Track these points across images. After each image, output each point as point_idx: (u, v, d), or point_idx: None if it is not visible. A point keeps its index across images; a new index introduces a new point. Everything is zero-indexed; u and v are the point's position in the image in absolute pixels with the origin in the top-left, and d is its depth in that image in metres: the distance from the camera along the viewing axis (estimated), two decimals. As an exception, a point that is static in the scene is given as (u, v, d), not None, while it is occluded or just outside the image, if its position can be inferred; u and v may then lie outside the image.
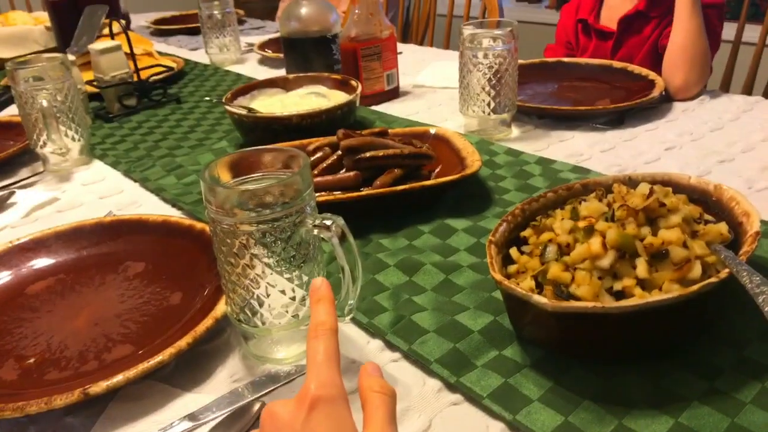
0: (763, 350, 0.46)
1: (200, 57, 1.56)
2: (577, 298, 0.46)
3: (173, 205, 0.78)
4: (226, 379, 0.49)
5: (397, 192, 0.68)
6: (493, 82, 0.87)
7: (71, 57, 1.12)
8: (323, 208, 0.66)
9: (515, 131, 0.94)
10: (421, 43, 1.91)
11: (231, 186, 0.48)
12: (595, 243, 0.48)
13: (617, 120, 0.93)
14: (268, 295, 0.47)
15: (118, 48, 1.13)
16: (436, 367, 0.48)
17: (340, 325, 0.53)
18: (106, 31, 1.26)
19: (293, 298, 0.48)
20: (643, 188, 0.52)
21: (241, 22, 1.98)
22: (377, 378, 0.37)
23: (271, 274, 0.46)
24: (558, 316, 0.44)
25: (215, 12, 1.44)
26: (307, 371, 0.37)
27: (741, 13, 1.40)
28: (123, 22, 1.21)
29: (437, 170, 0.79)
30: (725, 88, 1.43)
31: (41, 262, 0.64)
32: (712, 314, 0.48)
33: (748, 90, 1.40)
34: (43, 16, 1.66)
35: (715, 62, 1.28)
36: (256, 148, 0.50)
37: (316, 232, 0.47)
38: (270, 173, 0.49)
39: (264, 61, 1.49)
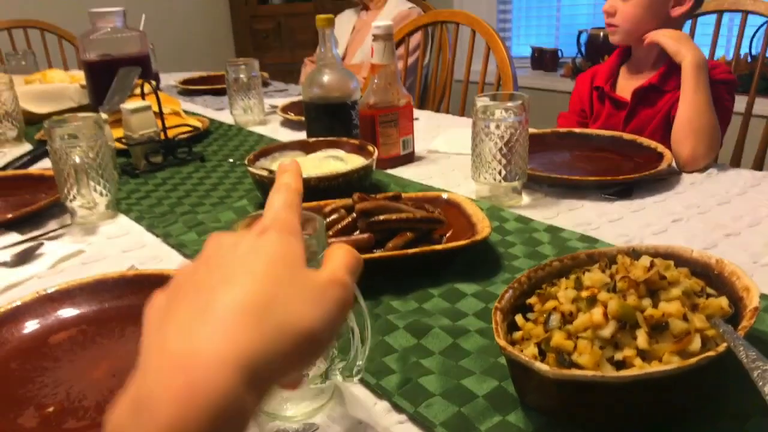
0: (764, 425, 0.47)
1: (225, 117, 1.62)
2: (580, 367, 0.48)
3: (193, 261, 0.81)
4: (236, 434, 0.51)
5: (408, 255, 0.71)
6: (504, 151, 0.91)
7: (103, 116, 1.18)
8: (337, 268, 0.69)
9: (526, 199, 0.96)
10: (437, 110, 1.98)
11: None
12: (597, 313, 0.49)
13: (626, 191, 0.95)
14: (281, 353, 0.49)
15: (147, 108, 1.19)
16: (440, 430, 0.49)
17: (349, 385, 0.55)
18: (137, 90, 1.33)
19: (304, 357, 0.50)
20: (645, 261, 0.54)
21: (265, 84, 2.06)
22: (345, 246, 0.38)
23: (285, 332, 0.48)
24: (559, 383, 0.45)
25: (242, 75, 1.51)
26: (263, 214, 0.37)
27: (751, 87, 1.44)
28: (153, 83, 1.28)
29: (448, 234, 0.81)
30: (736, 161, 1.46)
31: (65, 313, 0.66)
32: (712, 387, 0.49)
33: (759, 163, 1.42)
34: (79, 75, 1.75)
35: (726, 135, 1.32)
36: (275, 211, 0.53)
37: (328, 293, 0.49)
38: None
39: (286, 123, 1.55)
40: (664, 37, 1.13)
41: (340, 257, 0.37)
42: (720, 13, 1.49)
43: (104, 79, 1.46)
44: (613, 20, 1.17)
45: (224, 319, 0.30)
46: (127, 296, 0.68)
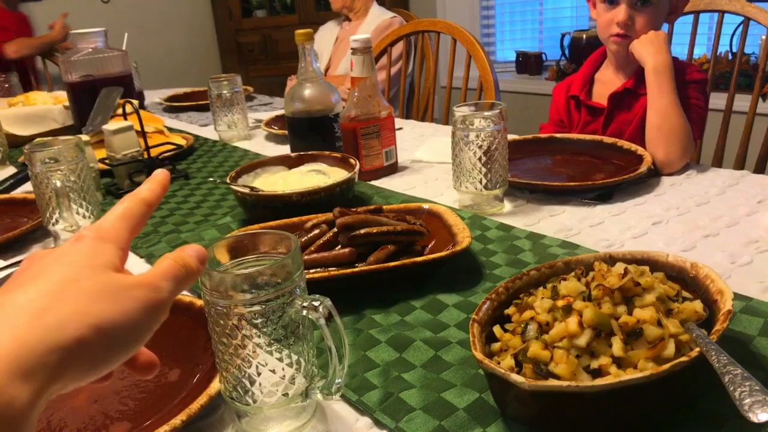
0: (739, 427, 0.47)
1: (209, 133, 1.62)
2: (557, 376, 0.48)
3: (176, 281, 0.81)
4: (218, 456, 0.51)
5: (389, 268, 0.71)
6: (484, 159, 0.91)
7: (85, 137, 1.18)
8: (319, 284, 0.69)
9: (508, 206, 0.97)
10: (422, 119, 1.99)
11: (225, 270, 0.51)
12: (572, 322, 0.50)
13: (606, 195, 0.96)
14: (259, 374, 0.49)
15: (129, 128, 1.20)
16: (421, 444, 0.49)
17: (330, 402, 0.55)
18: (121, 110, 1.33)
19: (283, 377, 0.50)
20: (619, 268, 0.55)
21: (250, 98, 2.07)
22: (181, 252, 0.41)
23: (263, 353, 0.49)
24: (536, 394, 0.46)
25: (224, 91, 1.51)
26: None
27: (731, 83, 1.46)
28: (136, 102, 1.28)
29: (431, 245, 0.82)
30: (719, 158, 1.47)
31: (46, 339, 0.66)
32: (687, 392, 0.50)
33: (740, 160, 1.44)
34: (63, 96, 1.75)
35: (708, 133, 1.33)
36: (250, 232, 0.53)
37: (304, 312, 0.49)
38: (264, 255, 0.53)
39: (271, 137, 1.55)
40: (633, 42, 1.14)
41: (161, 266, 0.40)
42: (696, 13, 1.50)
43: (87, 99, 1.47)
44: (629, 31, 1.15)
45: (9, 315, 0.32)
46: (108, 320, 0.68)
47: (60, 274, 0.35)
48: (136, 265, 0.87)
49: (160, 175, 0.46)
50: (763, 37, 1.42)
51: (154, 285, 0.38)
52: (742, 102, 1.50)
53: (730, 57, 2.59)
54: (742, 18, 1.44)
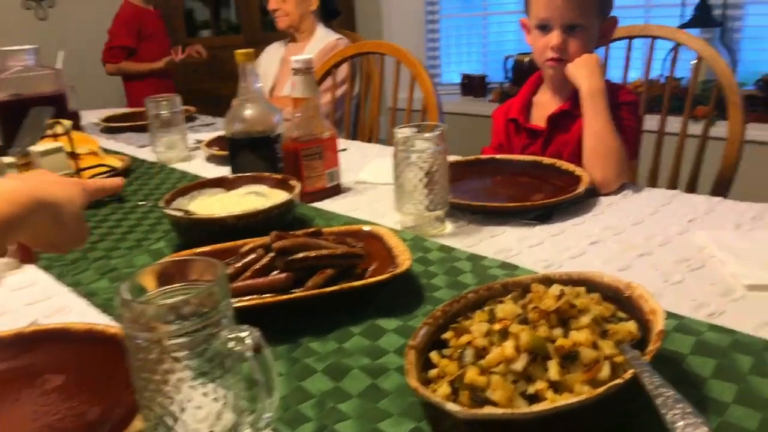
0: (674, 449, 0.47)
1: (148, 154, 1.57)
2: (494, 403, 0.47)
3: (103, 311, 0.77)
4: (138, 501, 0.47)
5: (325, 293, 0.69)
6: (426, 181, 0.91)
7: (9, 160, 1.12)
8: (252, 311, 0.67)
9: (450, 227, 0.97)
10: (368, 140, 1.98)
11: (146, 300, 0.48)
12: (509, 346, 0.49)
13: (546, 215, 0.97)
14: (183, 410, 0.46)
15: (59, 150, 1.14)
16: (355, 479, 0.47)
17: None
18: (51, 131, 1.27)
19: (209, 413, 0.47)
20: (555, 290, 0.54)
21: (192, 118, 2.02)
22: None
23: (186, 389, 0.46)
24: (471, 423, 0.44)
25: (163, 111, 1.47)
26: None
27: (662, 107, 1.51)
28: (68, 123, 1.23)
29: (372, 268, 0.80)
30: (653, 178, 1.52)
31: (-46, 378, 0.61)
32: (623, 413, 0.49)
33: (673, 179, 1.49)
34: (-10, 116, 1.67)
35: (643, 153, 1.37)
36: (176, 259, 0.50)
37: (230, 345, 0.47)
38: (192, 283, 0.50)
39: (212, 159, 1.52)
40: (568, 65, 1.17)
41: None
42: (630, 39, 1.56)
43: (16, 119, 1.39)
44: (563, 55, 1.18)
45: None
46: (23, 356, 0.63)
47: None
48: (61, 294, 0.83)
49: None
50: (693, 62, 1.48)
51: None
52: (675, 124, 1.55)
53: (662, 81, 2.71)
54: (674, 43, 1.50)
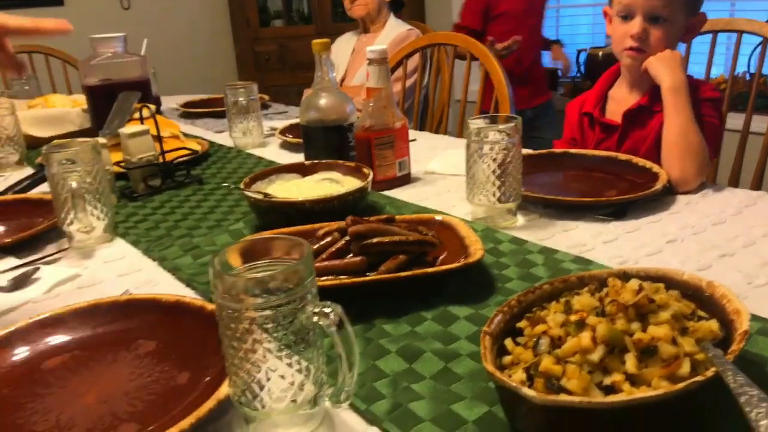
0: (755, 450, 0.46)
1: (224, 139, 1.63)
2: (569, 392, 0.47)
3: (188, 285, 0.81)
4: (224, 461, 0.51)
5: (400, 278, 0.71)
6: (498, 172, 0.91)
7: (102, 140, 1.19)
8: (329, 291, 0.69)
9: (521, 220, 0.96)
10: (436, 131, 1.99)
11: (237, 273, 0.51)
12: (585, 337, 0.49)
13: (620, 211, 0.95)
14: (269, 379, 0.49)
15: (146, 132, 1.21)
16: (429, 456, 0.48)
17: (338, 411, 0.55)
18: (137, 114, 1.34)
19: (292, 383, 0.49)
20: (633, 284, 0.54)
21: (265, 106, 2.08)
22: None
23: (272, 358, 0.48)
24: (547, 409, 0.45)
25: (240, 98, 1.52)
26: None
27: (748, 104, 1.45)
28: (153, 107, 1.29)
29: (442, 257, 0.81)
30: (735, 179, 1.46)
31: (58, 339, 0.66)
32: (702, 412, 0.49)
33: (758, 181, 1.42)
34: (81, 99, 1.77)
35: (724, 153, 1.32)
36: (263, 236, 0.53)
37: (315, 319, 0.49)
38: (276, 260, 0.53)
39: (285, 146, 1.56)
40: (649, 59, 1.14)
41: None
42: (715, 33, 1.50)
43: (105, 103, 1.48)
44: (644, 45, 1.15)
45: None
46: (119, 321, 0.68)
47: None
48: (148, 268, 0.88)
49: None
50: (782, 59, 1.41)
51: None
52: (760, 123, 1.49)
53: (747, 77, 2.58)
54: (761, 38, 1.43)
